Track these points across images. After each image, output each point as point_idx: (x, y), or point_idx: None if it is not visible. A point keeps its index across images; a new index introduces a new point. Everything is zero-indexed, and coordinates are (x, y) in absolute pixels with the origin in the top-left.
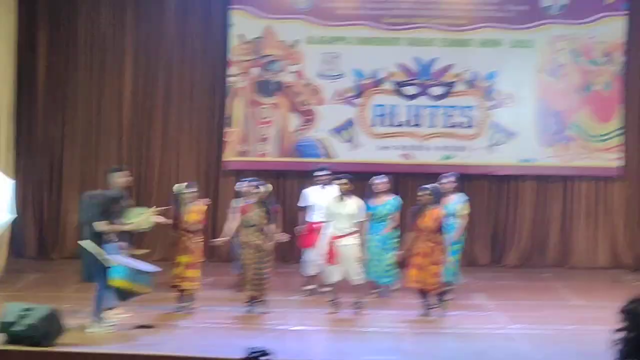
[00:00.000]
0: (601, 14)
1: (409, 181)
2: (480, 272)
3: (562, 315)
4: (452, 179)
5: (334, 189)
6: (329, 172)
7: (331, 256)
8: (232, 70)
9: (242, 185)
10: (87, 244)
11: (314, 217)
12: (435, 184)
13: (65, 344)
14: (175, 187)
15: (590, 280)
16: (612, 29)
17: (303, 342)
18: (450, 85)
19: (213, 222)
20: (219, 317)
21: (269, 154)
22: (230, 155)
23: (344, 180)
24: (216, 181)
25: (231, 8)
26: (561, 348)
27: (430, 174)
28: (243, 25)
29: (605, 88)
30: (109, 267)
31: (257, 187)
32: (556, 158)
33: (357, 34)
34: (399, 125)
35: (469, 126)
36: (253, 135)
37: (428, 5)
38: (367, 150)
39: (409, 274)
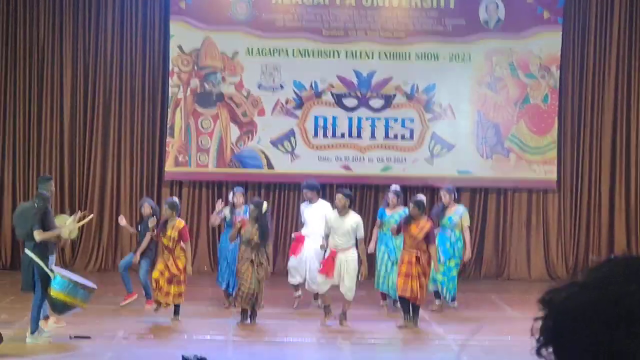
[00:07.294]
0: (537, 28)
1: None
2: None
3: (498, 326)
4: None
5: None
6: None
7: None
8: (173, 80)
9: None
10: (32, 254)
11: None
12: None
13: (3, 355)
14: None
15: (526, 292)
16: (548, 43)
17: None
18: (389, 97)
19: None
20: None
21: (210, 165)
22: (171, 166)
23: (339, 196)
24: (158, 190)
25: (171, 19)
26: (496, 358)
27: (370, 185)
28: (182, 36)
29: (543, 101)
30: (51, 278)
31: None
32: (494, 170)
33: (296, 46)
34: (340, 137)
35: (409, 138)
36: (194, 145)
37: (367, 17)
38: (308, 162)
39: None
